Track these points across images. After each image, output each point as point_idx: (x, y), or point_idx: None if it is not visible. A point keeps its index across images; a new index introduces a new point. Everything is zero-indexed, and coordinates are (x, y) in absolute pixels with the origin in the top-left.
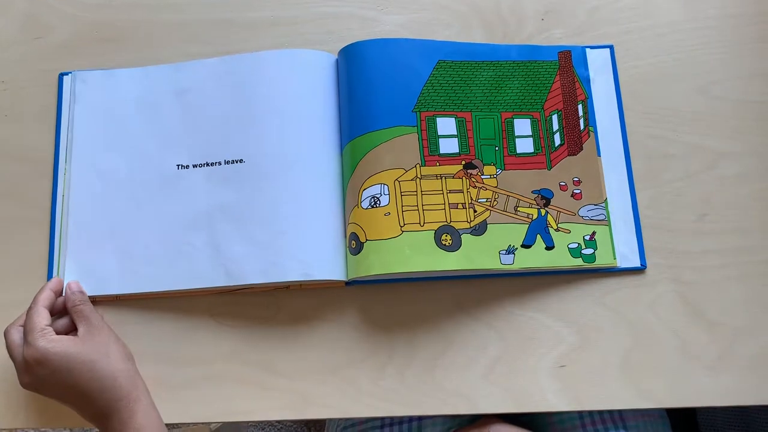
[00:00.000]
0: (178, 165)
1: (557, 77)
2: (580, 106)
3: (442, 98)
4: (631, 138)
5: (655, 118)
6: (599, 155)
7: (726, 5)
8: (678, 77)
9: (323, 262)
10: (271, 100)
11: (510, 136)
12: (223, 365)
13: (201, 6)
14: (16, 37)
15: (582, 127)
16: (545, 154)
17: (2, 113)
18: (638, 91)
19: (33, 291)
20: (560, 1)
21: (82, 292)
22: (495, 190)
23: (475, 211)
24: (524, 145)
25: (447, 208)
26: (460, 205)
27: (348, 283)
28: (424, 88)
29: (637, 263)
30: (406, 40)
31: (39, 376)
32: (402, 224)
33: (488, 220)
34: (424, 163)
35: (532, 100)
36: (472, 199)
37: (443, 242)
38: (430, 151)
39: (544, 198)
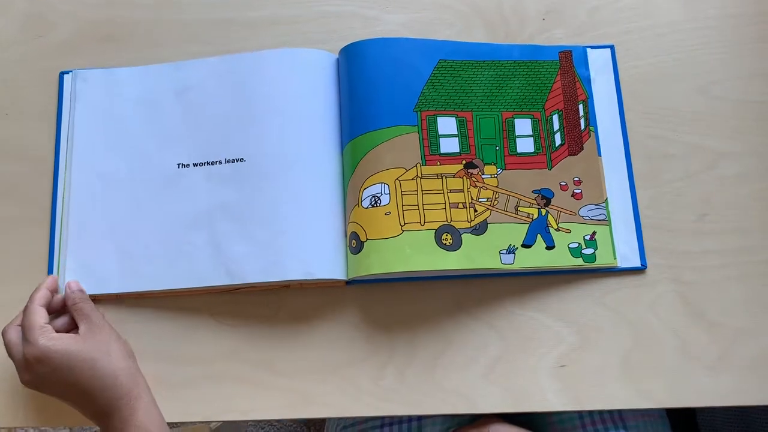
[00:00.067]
0: (178, 164)
1: (558, 77)
2: (580, 106)
3: (442, 98)
4: (632, 138)
5: (656, 118)
6: (600, 155)
7: (726, 5)
8: (678, 77)
9: (324, 261)
10: (271, 99)
11: (510, 135)
12: (224, 364)
13: (201, 5)
14: (16, 35)
15: (582, 126)
16: (546, 154)
17: (3, 112)
18: (638, 91)
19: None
20: (561, 1)
21: (81, 291)
22: (495, 189)
23: (475, 211)
24: (525, 145)
25: (447, 207)
26: (460, 205)
27: (348, 283)
28: (425, 87)
29: (637, 263)
30: (407, 39)
31: (39, 374)
32: (402, 224)
33: (489, 220)
34: (424, 163)
35: (533, 100)
36: (472, 199)
37: (444, 242)
38: (430, 151)
39: (545, 198)
